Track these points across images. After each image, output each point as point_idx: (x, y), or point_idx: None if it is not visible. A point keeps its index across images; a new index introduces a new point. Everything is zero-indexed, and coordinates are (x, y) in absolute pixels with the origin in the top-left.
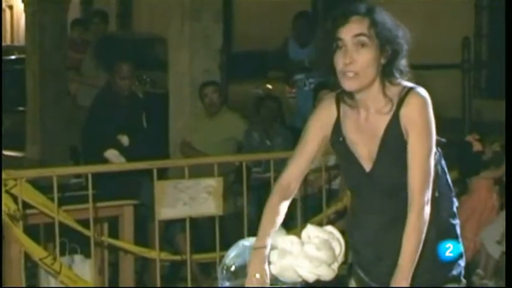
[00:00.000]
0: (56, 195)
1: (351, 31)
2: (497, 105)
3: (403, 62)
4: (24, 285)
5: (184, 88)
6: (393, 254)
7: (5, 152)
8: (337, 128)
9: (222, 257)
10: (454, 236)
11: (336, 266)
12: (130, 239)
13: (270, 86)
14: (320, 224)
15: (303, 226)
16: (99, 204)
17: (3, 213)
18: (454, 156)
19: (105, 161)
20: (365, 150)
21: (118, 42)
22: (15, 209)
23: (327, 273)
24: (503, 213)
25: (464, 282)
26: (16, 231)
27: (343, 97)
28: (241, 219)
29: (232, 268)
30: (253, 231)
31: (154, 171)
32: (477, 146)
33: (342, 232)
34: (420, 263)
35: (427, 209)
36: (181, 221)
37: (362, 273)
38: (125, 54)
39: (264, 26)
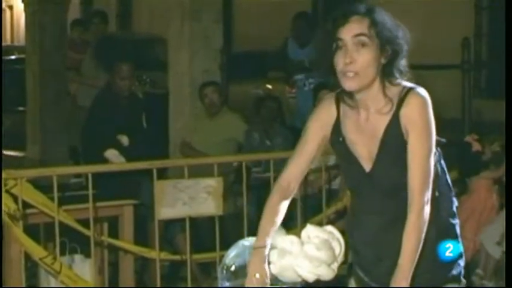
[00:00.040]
0: (56, 195)
1: (351, 31)
2: (497, 106)
3: (403, 62)
4: (24, 285)
5: (184, 88)
6: (393, 254)
7: (5, 152)
8: (337, 128)
9: (222, 257)
10: (453, 236)
11: (335, 266)
12: (130, 238)
13: (270, 86)
14: (320, 224)
15: (303, 226)
16: (99, 204)
17: (3, 212)
18: (453, 156)
19: (105, 160)
20: (365, 150)
21: (118, 43)
22: (16, 209)
23: (326, 273)
24: (502, 214)
25: (464, 282)
26: (16, 231)
27: (343, 97)
28: (241, 219)
29: (232, 268)
30: (253, 231)
31: (154, 171)
32: (476, 146)
33: (342, 232)
34: (420, 263)
35: (427, 209)
36: (181, 220)
37: (362, 273)
38: (124, 54)
39: (264, 27)
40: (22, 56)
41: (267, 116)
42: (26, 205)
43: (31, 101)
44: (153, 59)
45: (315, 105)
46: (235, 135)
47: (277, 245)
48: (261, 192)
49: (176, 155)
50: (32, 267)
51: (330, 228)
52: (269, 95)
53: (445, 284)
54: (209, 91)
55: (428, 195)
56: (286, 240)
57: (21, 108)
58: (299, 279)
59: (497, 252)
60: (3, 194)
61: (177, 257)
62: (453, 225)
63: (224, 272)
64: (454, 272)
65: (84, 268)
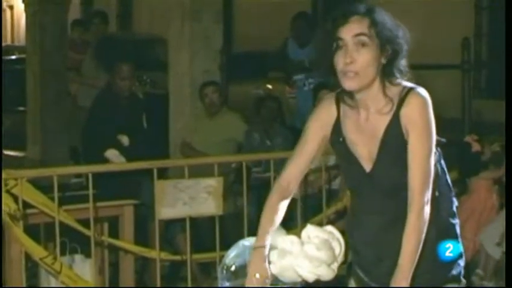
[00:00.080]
0: (56, 195)
1: (351, 31)
2: (497, 106)
3: (403, 62)
4: (24, 285)
5: (184, 88)
6: (393, 254)
7: (6, 152)
8: (337, 128)
9: (222, 257)
10: (453, 236)
11: (335, 266)
12: (130, 238)
13: (270, 86)
14: (320, 224)
15: (303, 226)
16: (99, 204)
17: (3, 212)
18: (453, 156)
19: (106, 161)
20: (365, 150)
21: (118, 43)
22: (16, 209)
23: (326, 273)
24: (502, 214)
25: (464, 282)
26: (16, 231)
27: (343, 97)
28: (241, 219)
29: (232, 268)
30: (253, 231)
31: (155, 171)
32: (476, 147)
33: (342, 232)
34: (420, 263)
35: (427, 209)
36: (181, 220)
37: (362, 273)
38: (125, 54)
39: (264, 27)
40: (22, 56)
41: (267, 116)
42: (26, 205)
43: (31, 101)
44: (154, 59)
45: (315, 105)
46: (235, 135)
47: (278, 245)
48: (261, 192)
49: (176, 155)
50: (32, 267)
51: (330, 228)
52: (269, 95)
53: (445, 284)
54: (209, 91)
55: (428, 195)
56: (287, 240)
57: (21, 108)
58: (299, 279)
59: (497, 252)
60: (4, 194)
61: (177, 257)
62: (453, 225)
63: (224, 272)
64: (454, 272)
65: (84, 268)
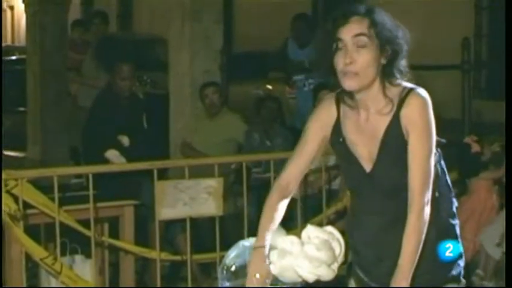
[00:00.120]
0: (56, 195)
1: (350, 31)
2: (497, 106)
3: (403, 63)
4: (25, 285)
5: (184, 89)
6: (393, 254)
7: (6, 152)
8: (337, 129)
9: (222, 257)
10: (453, 237)
11: (335, 266)
12: (130, 239)
13: (270, 87)
14: (320, 225)
15: (303, 226)
16: (99, 205)
17: (4, 213)
18: (453, 157)
19: (106, 161)
20: (365, 150)
21: (118, 43)
22: (16, 209)
23: (326, 274)
24: (501, 214)
25: (463, 282)
26: (17, 231)
27: (343, 97)
28: (241, 220)
29: (233, 268)
30: (253, 232)
31: (155, 172)
32: (476, 147)
33: (342, 232)
34: (420, 263)
35: (427, 210)
36: (182, 221)
37: (362, 273)
38: (125, 55)
39: (264, 27)
40: (23, 56)
41: (267, 117)
42: (26, 205)
43: (32, 101)
44: (154, 59)
45: (315, 106)
46: (236, 136)
47: (278, 245)
48: (261, 193)
49: (177, 156)
50: (32, 268)
51: (330, 228)
52: (269, 96)
53: (445, 284)
54: (209, 92)
55: (428, 195)
56: (287, 241)
57: (21, 109)
58: (299, 280)
59: (497, 253)
60: (4, 195)
61: (177, 258)
62: (453, 226)
63: (224, 272)
64: (454, 272)
65: (84, 268)
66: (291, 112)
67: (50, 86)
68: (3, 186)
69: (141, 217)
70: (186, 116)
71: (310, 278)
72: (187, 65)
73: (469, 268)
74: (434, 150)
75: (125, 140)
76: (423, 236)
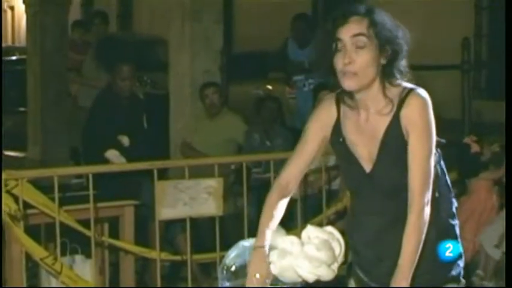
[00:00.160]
0: (56, 195)
1: (349, 31)
2: (497, 106)
3: (403, 63)
4: (25, 285)
5: (184, 89)
6: (393, 254)
7: (6, 152)
8: (337, 129)
9: (222, 257)
10: (453, 237)
11: (335, 266)
12: (130, 239)
13: (270, 87)
14: (320, 225)
15: (303, 226)
16: (99, 205)
17: (4, 213)
18: (453, 157)
19: (106, 161)
20: (365, 151)
21: (119, 44)
22: (16, 209)
23: (326, 274)
24: (501, 215)
25: (463, 282)
26: (17, 231)
27: (343, 98)
28: (241, 220)
29: (233, 268)
30: (253, 232)
31: (155, 172)
32: (475, 148)
33: (342, 232)
34: (420, 263)
35: (427, 210)
36: (182, 221)
37: (362, 273)
38: (125, 55)
39: (264, 27)
40: (23, 56)
41: (267, 117)
42: (26, 205)
43: (32, 101)
44: (154, 59)
45: (315, 106)
46: (236, 136)
47: (278, 245)
48: (261, 193)
49: (177, 156)
50: (32, 268)
51: (330, 228)
52: (269, 96)
53: (445, 284)
54: (210, 92)
55: (428, 196)
56: (287, 241)
57: (22, 109)
58: (299, 280)
59: (496, 253)
60: (4, 195)
61: (177, 258)
62: (453, 226)
63: (224, 272)
64: (454, 272)
65: (84, 268)
66: (291, 112)
67: (50, 86)
68: (3, 186)
69: (141, 217)
70: (186, 116)
71: (310, 278)
72: (187, 65)
73: (468, 268)
74: (434, 150)
75: (125, 140)
76: (423, 236)
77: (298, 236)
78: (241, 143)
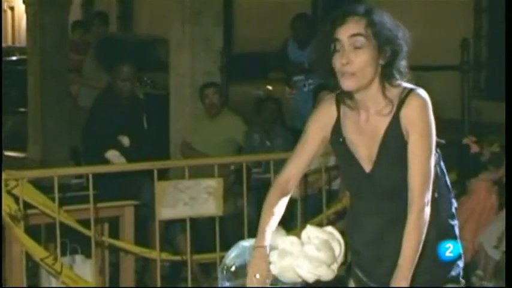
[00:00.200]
0: (57, 195)
1: (347, 31)
2: (496, 106)
3: (403, 63)
4: (25, 285)
5: (184, 89)
6: (393, 254)
7: (6, 153)
8: (337, 129)
9: (222, 257)
10: (453, 237)
11: (335, 266)
12: (131, 239)
13: (270, 88)
14: (320, 225)
15: (303, 227)
16: (100, 205)
17: (4, 213)
18: (453, 157)
19: (106, 161)
20: (365, 151)
21: (119, 44)
22: (17, 209)
23: (326, 274)
24: (500, 215)
25: (463, 282)
26: (17, 232)
27: (343, 98)
28: (241, 220)
29: (233, 268)
30: (253, 232)
31: (155, 172)
32: (475, 148)
33: (342, 233)
34: (420, 264)
35: (427, 210)
36: (182, 221)
37: (361, 273)
38: (125, 55)
39: (264, 28)
40: (23, 57)
41: (267, 117)
42: (27, 206)
43: (32, 102)
44: (154, 60)
45: (315, 106)
46: (236, 136)
47: (278, 245)
48: (261, 193)
49: (177, 156)
50: (33, 268)
51: (329, 229)
52: (269, 96)
53: (445, 285)
54: (210, 92)
55: (428, 196)
56: (287, 241)
57: (22, 109)
58: (299, 280)
59: (496, 253)
60: (4, 195)
61: (177, 258)
62: (452, 227)
63: (224, 272)
64: (453, 272)
65: (85, 268)
66: (291, 113)
67: (51, 86)
68: (3, 186)
69: (141, 217)
70: (186, 116)
71: (310, 278)
72: (187, 65)
73: (468, 268)
74: (434, 150)
75: (125, 141)
76: (423, 237)
77: (298, 236)
78: (241, 143)
